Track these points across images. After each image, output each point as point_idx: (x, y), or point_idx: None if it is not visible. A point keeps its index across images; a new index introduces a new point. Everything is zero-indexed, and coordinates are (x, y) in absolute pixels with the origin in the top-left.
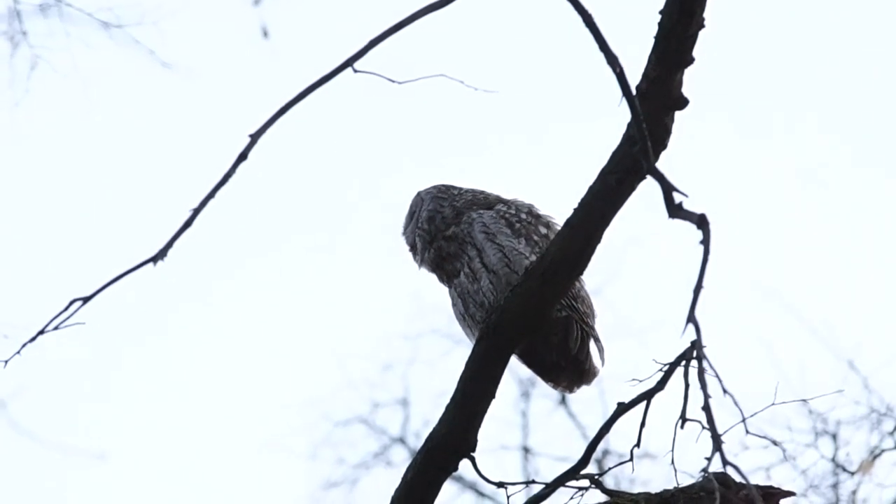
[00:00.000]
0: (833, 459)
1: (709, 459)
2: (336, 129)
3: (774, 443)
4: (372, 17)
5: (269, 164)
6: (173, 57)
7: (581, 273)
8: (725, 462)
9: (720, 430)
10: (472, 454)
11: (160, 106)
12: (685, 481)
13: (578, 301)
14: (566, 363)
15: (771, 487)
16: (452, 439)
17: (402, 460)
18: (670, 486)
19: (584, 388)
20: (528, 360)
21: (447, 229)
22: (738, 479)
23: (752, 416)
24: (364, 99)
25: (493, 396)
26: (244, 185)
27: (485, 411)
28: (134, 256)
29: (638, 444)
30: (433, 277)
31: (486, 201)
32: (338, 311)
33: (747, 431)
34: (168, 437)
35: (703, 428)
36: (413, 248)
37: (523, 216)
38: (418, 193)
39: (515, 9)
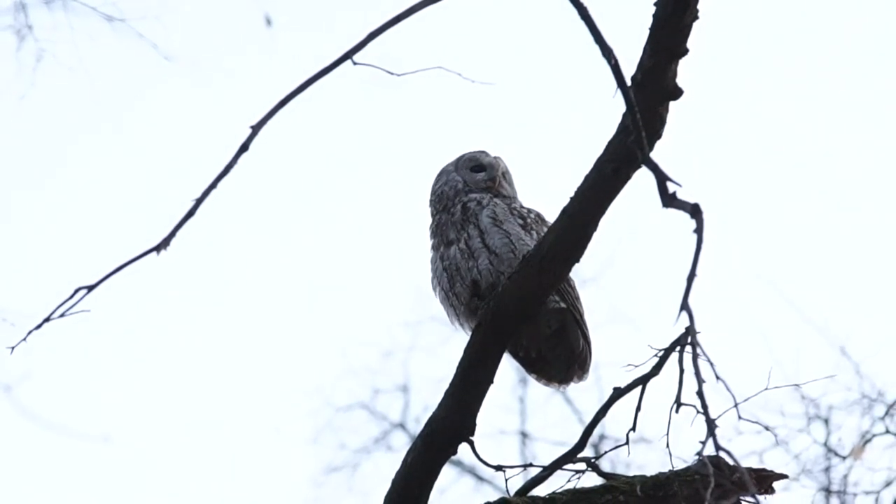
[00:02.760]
0: (825, 444)
1: (703, 444)
2: (335, 121)
3: (766, 428)
4: (371, 10)
5: (271, 155)
6: (176, 50)
7: (578, 261)
8: (718, 447)
9: (714, 415)
10: (470, 438)
11: (163, 98)
12: (680, 465)
13: (578, 301)
14: (553, 357)
15: (764, 470)
16: (451, 424)
17: (402, 445)
18: (665, 470)
19: (574, 384)
20: (515, 354)
21: (455, 196)
22: (731, 462)
23: (744, 401)
24: (363, 91)
25: (492, 382)
26: (246, 176)
27: (483, 396)
28: (138, 246)
29: (634, 429)
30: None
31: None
32: (339, 299)
33: (739, 416)
34: (173, 423)
35: (698, 412)
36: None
37: (533, 216)
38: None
39: (512, 2)
